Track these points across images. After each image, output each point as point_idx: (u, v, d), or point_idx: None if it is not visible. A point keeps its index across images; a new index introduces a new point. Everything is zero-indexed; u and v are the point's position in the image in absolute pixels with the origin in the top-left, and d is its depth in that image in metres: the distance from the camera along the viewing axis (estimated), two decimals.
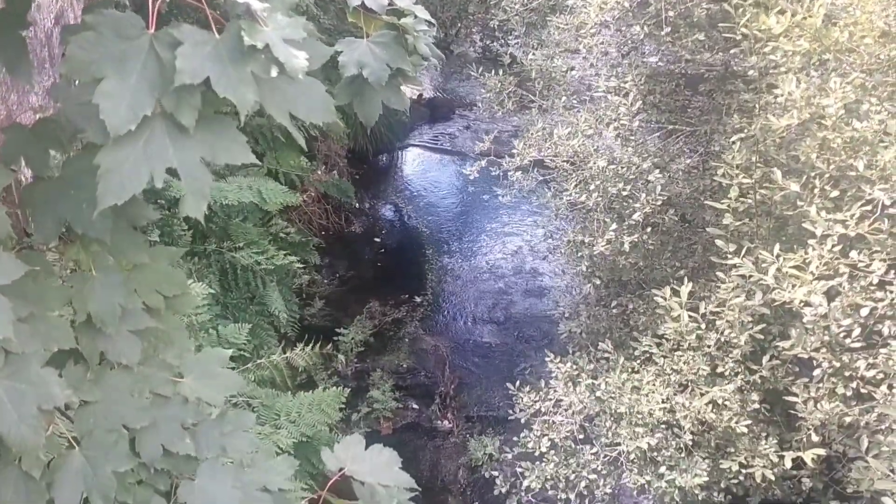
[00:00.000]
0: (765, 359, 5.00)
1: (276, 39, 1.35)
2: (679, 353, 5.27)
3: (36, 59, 2.95)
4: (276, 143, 9.64)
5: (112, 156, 1.41)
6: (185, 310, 1.99)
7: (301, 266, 8.72)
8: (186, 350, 2.01)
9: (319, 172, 11.01)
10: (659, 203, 5.83)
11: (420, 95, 15.24)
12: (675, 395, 5.23)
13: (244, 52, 1.34)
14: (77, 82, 1.61)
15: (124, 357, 1.83)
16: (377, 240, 11.87)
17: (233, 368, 5.46)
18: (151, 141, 1.42)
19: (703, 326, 5.07)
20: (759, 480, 4.90)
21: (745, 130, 5.11)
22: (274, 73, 1.35)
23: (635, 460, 5.37)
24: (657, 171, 5.90)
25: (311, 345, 7.23)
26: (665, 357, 5.37)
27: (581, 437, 5.71)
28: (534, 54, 7.14)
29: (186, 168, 1.44)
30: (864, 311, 4.34)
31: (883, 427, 4.31)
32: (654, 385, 5.34)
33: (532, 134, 6.65)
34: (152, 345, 1.92)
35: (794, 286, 4.37)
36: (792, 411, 4.79)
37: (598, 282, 6.76)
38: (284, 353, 6.93)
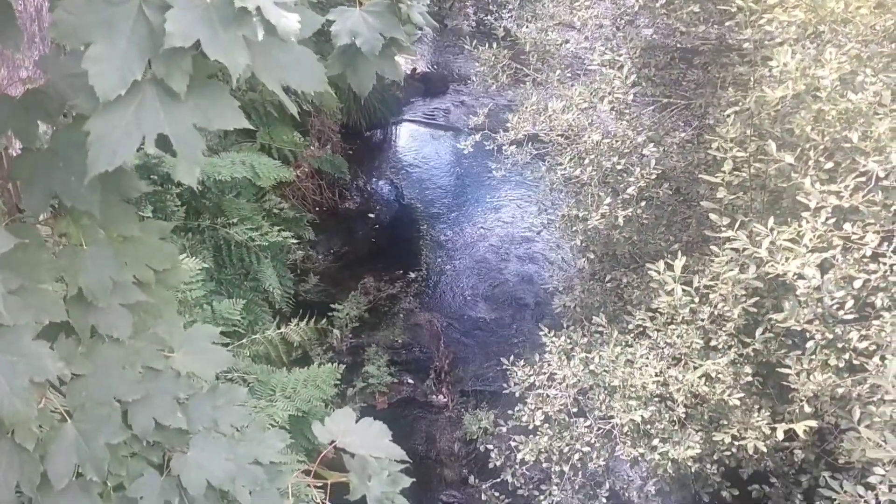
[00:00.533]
0: (758, 332, 5.02)
1: (267, 2, 1.33)
2: (672, 326, 5.29)
3: (26, 33, 2.92)
4: (269, 119, 9.58)
5: (102, 122, 1.39)
6: (176, 284, 1.98)
7: (295, 242, 8.70)
8: (176, 325, 2.01)
9: (313, 148, 10.96)
10: (653, 177, 5.82)
11: (414, 70, 15.15)
12: (668, 368, 5.25)
13: (235, 15, 1.32)
14: (66, 52, 1.58)
15: (115, 330, 1.82)
16: (371, 215, 11.84)
17: (227, 344, 5.46)
18: (142, 107, 1.40)
19: (697, 300, 5.08)
20: (751, 452, 4.94)
21: (740, 103, 5.10)
22: (261, 35, 1.33)
23: (628, 433, 5.40)
24: (651, 144, 5.89)
25: (305, 320, 7.24)
26: (658, 331, 5.38)
27: (575, 410, 5.74)
28: (528, 27, 7.09)
29: (178, 134, 1.43)
30: (858, 283, 4.35)
31: (875, 398, 4.33)
32: (647, 358, 5.36)
33: (526, 108, 6.62)
34: (143, 319, 1.92)
35: (787, 259, 4.37)
36: (785, 383, 4.82)
37: (592, 256, 6.77)
38: (279, 328, 6.94)
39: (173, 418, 1.86)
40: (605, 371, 5.51)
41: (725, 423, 5.15)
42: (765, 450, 4.93)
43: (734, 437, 5.04)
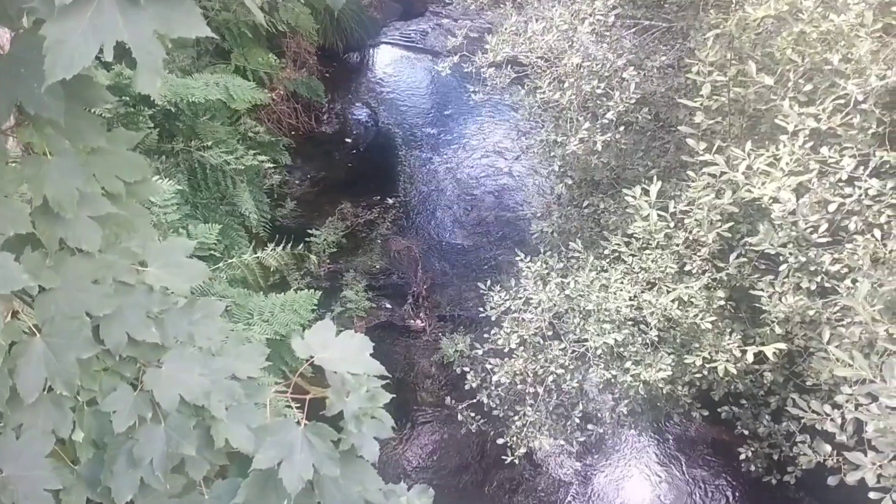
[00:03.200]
0: (732, 257, 5.06)
1: None
2: (648, 251, 5.32)
3: None
4: (244, 40, 9.34)
5: (58, 27, 1.34)
6: (146, 196, 1.93)
7: (271, 166, 8.61)
8: (150, 238, 1.96)
9: (288, 70, 10.74)
10: (633, 101, 5.77)
11: None
12: (642, 292, 5.31)
13: None
14: None
15: (84, 243, 1.78)
16: (348, 140, 11.70)
17: None
18: (100, 11, 1.35)
19: (672, 225, 5.10)
20: (721, 375, 5.04)
21: (721, 26, 5.02)
22: None
23: (602, 355, 5.49)
24: (632, 68, 5.81)
25: (282, 245, 7.20)
26: (634, 256, 5.42)
27: (549, 333, 5.81)
28: None
29: (138, 41, 1.38)
30: (832, 207, 4.39)
31: (845, 321, 4.42)
32: (622, 283, 5.41)
33: (506, 29, 6.49)
34: (114, 232, 1.87)
35: (763, 183, 4.38)
36: (757, 305, 4.89)
37: (570, 181, 6.75)
38: (256, 253, 6.90)
39: (146, 333, 1.83)
40: (580, 295, 5.56)
41: (697, 346, 5.24)
42: (735, 372, 5.03)
43: (705, 360, 5.14)
